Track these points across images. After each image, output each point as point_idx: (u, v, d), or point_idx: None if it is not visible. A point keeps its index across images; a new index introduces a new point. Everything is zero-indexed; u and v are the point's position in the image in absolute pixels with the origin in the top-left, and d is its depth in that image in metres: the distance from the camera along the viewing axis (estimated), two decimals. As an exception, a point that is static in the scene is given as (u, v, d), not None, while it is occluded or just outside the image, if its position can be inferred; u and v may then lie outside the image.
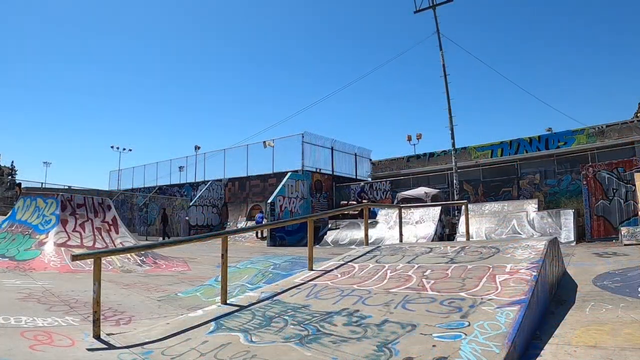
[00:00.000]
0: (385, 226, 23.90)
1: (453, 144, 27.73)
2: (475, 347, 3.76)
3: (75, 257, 5.58)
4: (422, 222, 23.15)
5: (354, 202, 29.57)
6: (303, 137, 31.73)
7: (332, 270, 7.31)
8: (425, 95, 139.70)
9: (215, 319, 5.59)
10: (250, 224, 31.29)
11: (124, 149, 69.40)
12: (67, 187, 33.13)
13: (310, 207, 30.85)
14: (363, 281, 6.34)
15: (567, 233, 19.06)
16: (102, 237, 12.98)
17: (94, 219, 13.30)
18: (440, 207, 23.07)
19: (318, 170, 32.95)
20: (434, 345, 3.94)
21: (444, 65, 27.89)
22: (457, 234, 21.68)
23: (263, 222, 28.81)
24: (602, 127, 26.11)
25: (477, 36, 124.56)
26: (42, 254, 11.34)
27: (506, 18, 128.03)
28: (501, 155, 28.89)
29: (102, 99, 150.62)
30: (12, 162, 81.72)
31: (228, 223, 34.52)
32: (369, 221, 10.55)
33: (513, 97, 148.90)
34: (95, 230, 13.00)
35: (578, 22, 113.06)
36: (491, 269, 5.68)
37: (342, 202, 30.84)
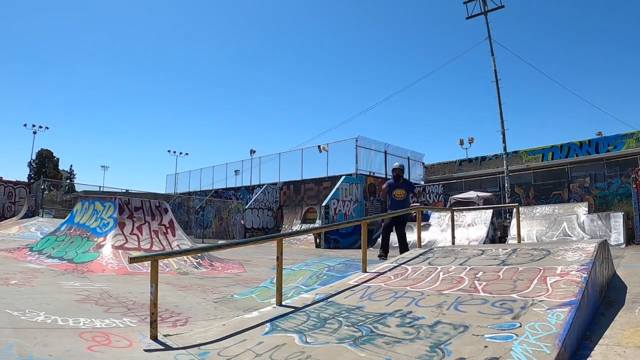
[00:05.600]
0: (438, 229, 23.73)
1: (504, 148, 27.41)
2: (527, 348, 3.77)
3: (132, 260, 5.64)
4: (474, 224, 22.89)
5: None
6: (357, 141, 31.82)
7: (385, 272, 7.35)
8: (476, 98, 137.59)
9: (270, 320, 5.61)
10: (305, 226, 31.44)
11: (181, 153, 71.26)
12: (124, 191, 34.21)
13: (364, 210, 30.80)
14: (416, 283, 6.37)
15: (617, 235, 18.58)
16: (159, 240, 13.17)
17: (151, 222, 13.50)
18: (491, 210, 22.82)
19: (371, 174, 32.95)
20: (485, 346, 3.94)
21: (495, 70, 27.59)
22: (509, 237, 21.40)
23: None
24: (652, 130, 25.58)
25: (527, 38, 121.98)
26: (100, 257, 11.44)
27: (555, 21, 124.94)
28: (552, 159, 28.72)
29: (159, 103, 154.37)
30: (71, 166, 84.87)
31: (283, 226, 34.81)
32: (421, 224, 10.45)
33: (563, 100, 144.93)
34: (152, 233, 13.19)
35: (628, 25, 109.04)
36: (542, 270, 5.66)
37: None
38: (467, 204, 24.32)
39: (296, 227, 32.74)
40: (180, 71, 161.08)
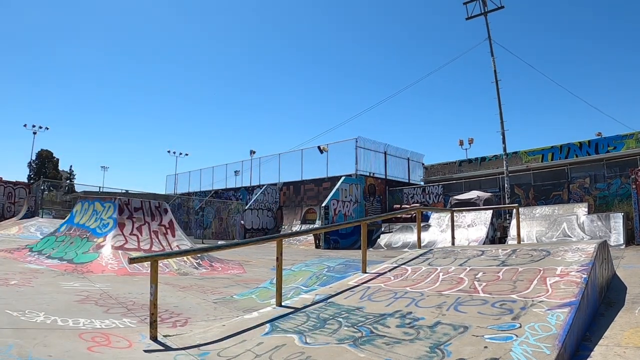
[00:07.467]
0: (438, 229, 23.80)
1: (504, 149, 27.57)
2: (526, 349, 3.81)
3: (132, 260, 5.65)
4: (474, 225, 22.95)
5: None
6: (357, 141, 31.89)
7: (385, 272, 7.37)
8: (476, 98, 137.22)
9: (270, 321, 5.64)
10: (305, 227, 31.46)
11: (181, 154, 71.12)
12: (124, 191, 34.17)
13: (364, 211, 30.81)
14: (416, 283, 6.41)
15: (617, 236, 18.63)
16: (159, 240, 13.20)
17: (151, 222, 13.53)
18: (491, 211, 22.90)
19: (371, 175, 33.04)
20: (485, 347, 3.97)
21: (495, 71, 27.72)
22: (509, 237, 21.46)
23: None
24: (651, 131, 25.69)
25: (527, 38, 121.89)
26: (100, 257, 11.51)
27: (555, 21, 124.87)
28: (552, 160, 28.81)
29: (159, 104, 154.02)
30: (71, 166, 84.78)
31: (283, 226, 34.84)
32: (421, 224, 10.44)
33: (563, 100, 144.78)
34: (152, 233, 13.22)
35: (628, 24, 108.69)
36: (542, 271, 5.70)
37: (395, 206, 30.80)
38: (467, 205, 24.36)
39: (296, 228, 32.78)
40: (181, 71, 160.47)
